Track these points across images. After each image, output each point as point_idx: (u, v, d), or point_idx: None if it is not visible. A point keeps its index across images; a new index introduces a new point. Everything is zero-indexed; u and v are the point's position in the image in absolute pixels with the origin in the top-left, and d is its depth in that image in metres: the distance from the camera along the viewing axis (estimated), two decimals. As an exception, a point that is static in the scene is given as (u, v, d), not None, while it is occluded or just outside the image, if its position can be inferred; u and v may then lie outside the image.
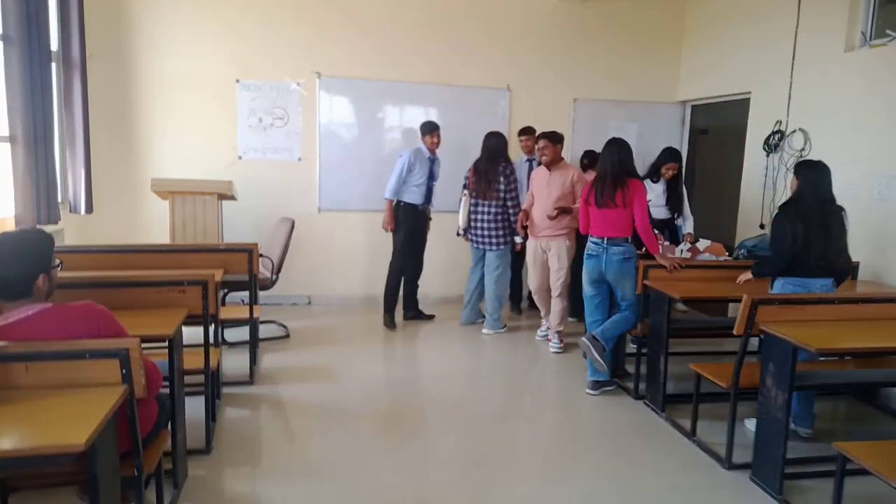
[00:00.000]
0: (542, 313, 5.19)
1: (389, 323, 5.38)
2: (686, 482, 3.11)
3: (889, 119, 4.17)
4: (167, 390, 2.66)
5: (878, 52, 4.31)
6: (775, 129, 5.23)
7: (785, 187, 5.09)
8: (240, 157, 5.82)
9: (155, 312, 2.91)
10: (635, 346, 4.62)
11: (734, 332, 3.14)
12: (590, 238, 4.03)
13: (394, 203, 5.25)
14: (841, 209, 3.40)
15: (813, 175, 3.38)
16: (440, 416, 3.80)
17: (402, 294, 5.54)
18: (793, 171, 3.49)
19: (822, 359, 3.32)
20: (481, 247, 5.28)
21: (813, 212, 3.31)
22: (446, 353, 4.90)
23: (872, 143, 4.31)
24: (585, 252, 4.06)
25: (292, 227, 5.10)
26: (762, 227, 5.33)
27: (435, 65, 6.05)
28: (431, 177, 5.26)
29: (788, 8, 5.04)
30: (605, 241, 3.94)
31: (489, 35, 6.13)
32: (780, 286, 3.40)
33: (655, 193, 5.12)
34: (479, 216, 5.18)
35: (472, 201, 5.20)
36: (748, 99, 5.64)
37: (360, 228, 6.04)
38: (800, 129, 4.97)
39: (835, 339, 2.82)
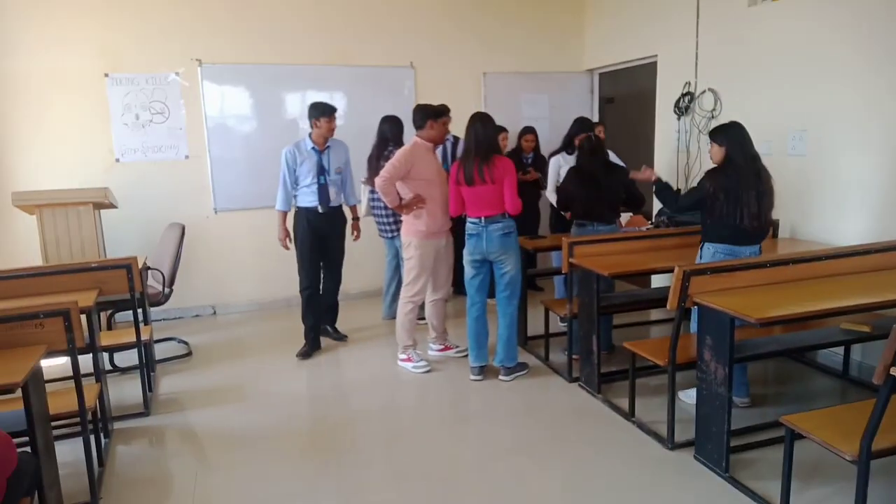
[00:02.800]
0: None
1: (302, 352, 4.49)
2: (629, 466, 2.94)
3: (796, 72, 4.12)
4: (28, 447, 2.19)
5: (781, 4, 4.24)
6: (685, 91, 5.15)
7: (699, 150, 5.01)
8: (117, 160, 5.19)
9: (4, 355, 2.42)
10: (565, 326, 4.45)
11: (667, 306, 2.96)
12: (468, 219, 3.83)
13: (286, 214, 4.43)
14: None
15: (737, 134, 3.23)
16: (368, 428, 3.46)
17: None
18: (710, 137, 3.32)
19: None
20: (382, 235, 4.95)
21: (747, 172, 3.17)
22: (368, 356, 4.52)
23: (782, 98, 4.25)
24: (466, 233, 3.86)
25: (182, 232, 4.58)
26: (678, 191, 5.25)
27: (331, 44, 5.61)
28: (322, 172, 4.34)
29: (688, -34, 4.93)
30: (483, 220, 3.76)
31: (387, 11, 5.74)
32: (711, 254, 3.26)
33: (571, 165, 4.92)
34: (375, 203, 4.84)
35: (369, 189, 4.86)
36: (655, 63, 5.54)
37: (263, 227, 5.50)
38: (709, 90, 4.89)
39: (771, 305, 2.67)
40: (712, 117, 4.86)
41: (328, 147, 4.36)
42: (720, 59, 4.79)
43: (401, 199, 3.95)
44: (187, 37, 5.23)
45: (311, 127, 4.30)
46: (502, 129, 5.37)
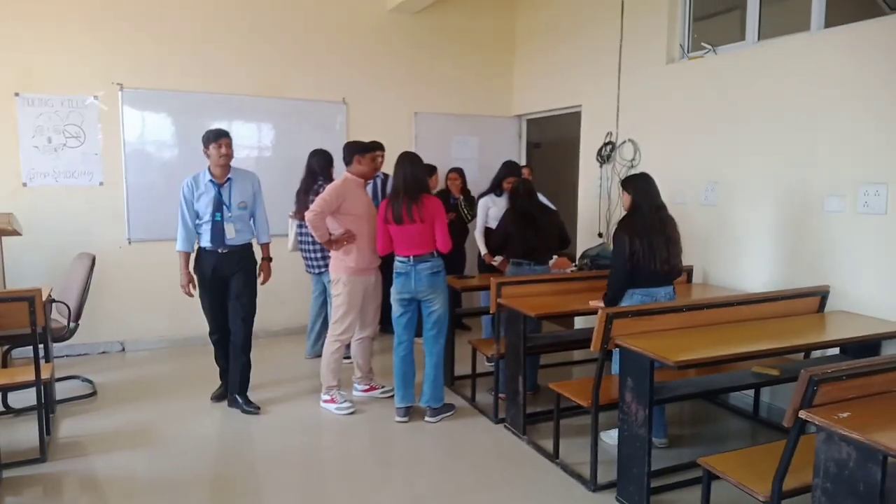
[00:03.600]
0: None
1: (217, 394, 4.21)
2: (554, 512, 2.93)
3: (710, 127, 4.39)
4: None
5: (696, 63, 4.54)
6: (606, 140, 5.38)
7: (619, 197, 5.23)
8: (24, 185, 4.87)
9: None
10: (491, 366, 4.46)
11: (591, 348, 3.03)
12: (397, 257, 3.85)
13: (188, 256, 3.94)
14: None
15: (643, 185, 3.42)
16: (285, 474, 3.29)
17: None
18: (621, 185, 3.51)
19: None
20: (309, 271, 4.85)
21: (653, 220, 3.33)
22: (289, 396, 4.35)
23: (697, 151, 4.51)
24: (395, 271, 3.85)
25: (93, 263, 4.31)
26: (600, 235, 5.44)
27: (262, 76, 5.54)
28: (219, 207, 3.84)
29: (612, 24, 5.21)
30: (412, 259, 3.77)
31: (321, 47, 5.76)
32: (629, 298, 3.37)
33: (499, 207, 5.02)
34: (302, 238, 4.76)
35: (296, 223, 4.77)
36: (579, 112, 5.78)
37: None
38: (629, 140, 5.14)
39: (688, 349, 2.78)
40: (632, 166, 5.09)
41: (229, 179, 3.91)
42: (640, 112, 5.05)
43: (330, 234, 3.89)
44: (109, 59, 5.03)
45: (206, 157, 3.89)
46: (432, 169, 5.44)
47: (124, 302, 5.23)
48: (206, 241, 3.91)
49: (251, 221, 4.03)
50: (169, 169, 5.27)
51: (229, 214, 3.88)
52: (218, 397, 4.20)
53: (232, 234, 3.89)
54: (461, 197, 5.70)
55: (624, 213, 3.50)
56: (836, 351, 3.35)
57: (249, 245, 4.03)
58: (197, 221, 3.91)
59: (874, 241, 3.38)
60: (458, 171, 5.71)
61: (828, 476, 1.97)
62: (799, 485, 2.22)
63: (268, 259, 4.16)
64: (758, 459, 2.44)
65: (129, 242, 5.21)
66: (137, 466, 3.32)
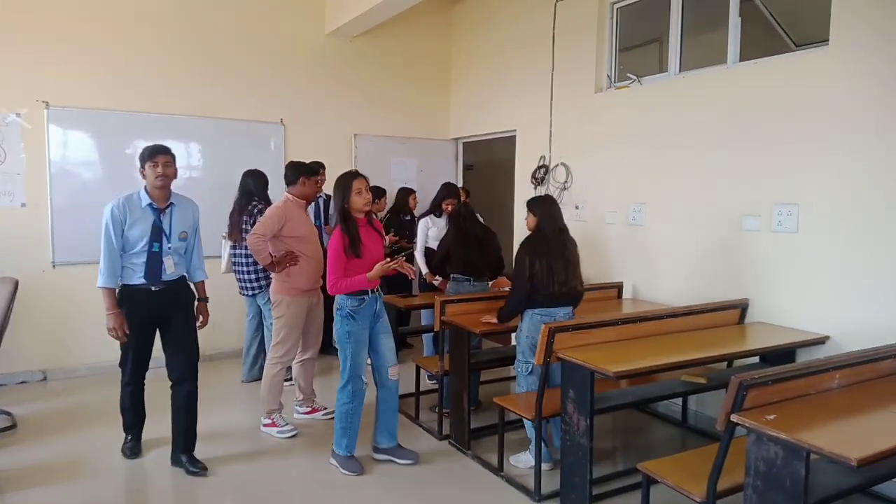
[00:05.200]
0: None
1: (127, 448, 3.62)
2: (502, 525, 2.99)
3: (636, 151, 4.65)
4: None
5: (622, 92, 4.81)
6: (540, 163, 5.59)
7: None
8: (-64, 205, 4.58)
9: None
10: (433, 383, 4.51)
11: (535, 361, 3.14)
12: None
13: (114, 292, 3.29)
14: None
15: (547, 208, 3.50)
16: (223, 499, 3.22)
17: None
18: (526, 207, 3.56)
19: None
20: (243, 293, 4.78)
21: (553, 242, 3.42)
22: (227, 421, 4.22)
23: (625, 174, 4.76)
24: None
25: (16, 287, 4.08)
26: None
27: (196, 96, 5.45)
28: (159, 237, 3.28)
29: (544, 53, 5.45)
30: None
31: (258, 67, 5.73)
32: (529, 317, 3.42)
33: (438, 227, 5.11)
34: (236, 259, 4.70)
35: (230, 244, 4.71)
36: (513, 135, 5.98)
37: (110, 283, 5.11)
38: (562, 164, 5.36)
39: (624, 360, 2.92)
40: (564, 188, 5.31)
41: (171, 205, 3.35)
42: (571, 137, 5.28)
43: (272, 256, 3.86)
44: (33, 76, 4.84)
45: (142, 178, 3.32)
46: (381, 192, 5.60)
47: (47, 328, 4.97)
48: (136, 277, 3.29)
49: (187, 255, 3.53)
50: (96, 190, 5.07)
51: (168, 246, 3.33)
52: (129, 452, 3.59)
53: (171, 269, 3.35)
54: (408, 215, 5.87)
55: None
56: (756, 359, 3.59)
57: (185, 279, 3.52)
58: (125, 252, 3.28)
59: (787, 257, 3.67)
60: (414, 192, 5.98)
61: (758, 474, 2.13)
62: (731, 485, 2.37)
63: (205, 299, 3.60)
64: (692, 463, 2.59)
65: (54, 266, 4.97)
66: (63, 502, 3.16)
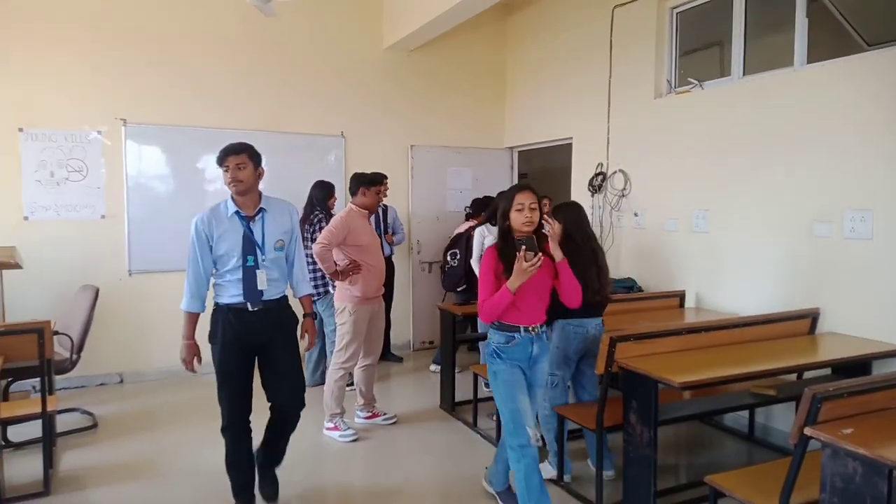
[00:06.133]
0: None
1: None
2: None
3: (698, 157, 4.55)
4: None
5: (682, 97, 4.73)
6: (597, 171, 5.54)
7: (611, 226, 5.37)
8: (26, 218, 4.90)
9: None
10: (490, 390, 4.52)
11: (595, 371, 3.11)
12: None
13: (197, 318, 3.00)
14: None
15: (574, 214, 3.41)
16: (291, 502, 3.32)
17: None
18: (552, 215, 3.42)
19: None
20: None
21: (584, 249, 3.31)
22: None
23: (686, 180, 4.67)
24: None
25: (96, 295, 4.34)
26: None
27: (261, 111, 5.66)
28: (252, 249, 2.89)
29: (601, 59, 5.41)
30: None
31: (319, 82, 5.91)
32: (560, 328, 3.33)
33: (494, 236, 5.11)
34: None
35: None
36: (569, 143, 5.95)
37: (180, 290, 5.27)
38: (620, 171, 5.30)
39: (689, 370, 2.87)
40: (623, 195, 5.25)
41: (262, 210, 2.96)
42: (629, 144, 5.22)
43: (336, 265, 3.96)
44: (111, 95, 5.13)
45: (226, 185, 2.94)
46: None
47: (124, 334, 5.23)
48: (231, 296, 2.91)
49: (288, 267, 3.11)
50: (170, 202, 5.35)
51: (263, 258, 2.91)
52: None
53: (264, 285, 2.91)
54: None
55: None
56: (827, 371, 3.46)
57: (286, 298, 3.09)
58: (218, 270, 2.94)
59: (861, 264, 3.53)
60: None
61: (834, 491, 2.06)
62: (804, 501, 2.29)
63: (312, 315, 3.24)
64: (761, 477, 2.52)
65: (130, 274, 5.24)
66: (142, 499, 3.33)
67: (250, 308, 2.91)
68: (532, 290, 2.75)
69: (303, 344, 3.20)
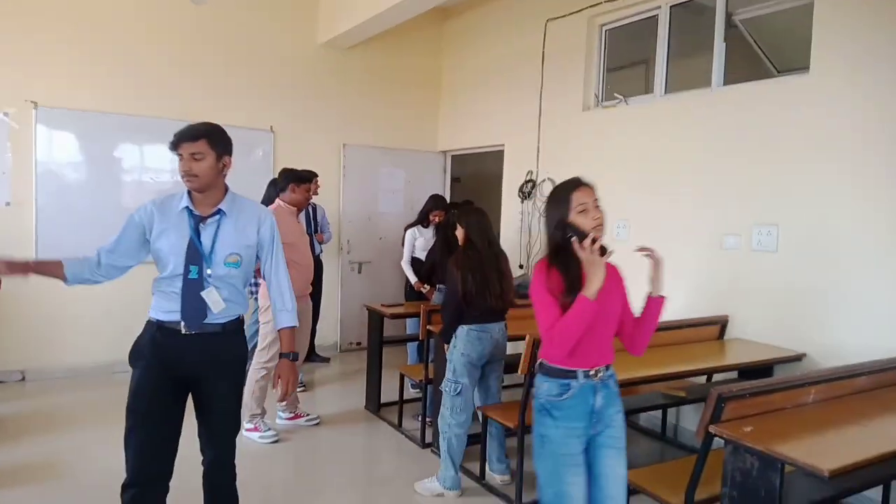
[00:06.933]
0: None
1: None
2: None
3: (622, 169, 4.73)
4: None
5: (608, 111, 4.92)
6: (527, 178, 5.67)
7: (539, 231, 5.50)
8: (-81, 201, 4.54)
9: None
10: (417, 392, 4.54)
11: (519, 371, 3.18)
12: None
13: (61, 266, 2.45)
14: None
15: (477, 220, 3.43)
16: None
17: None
18: (455, 219, 3.49)
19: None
20: None
21: (487, 255, 3.37)
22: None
23: (610, 191, 4.75)
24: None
25: (-2, 286, 4.04)
26: (521, 266, 5.68)
27: (184, 100, 5.45)
28: (195, 258, 2.28)
29: (533, 71, 5.54)
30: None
31: (251, 75, 5.76)
32: (465, 334, 3.34)
33: (425, 238, 5.16)
34: None
35: None
36: (501, 150, 6.06)
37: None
38: (549, 179, 5.44)
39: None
40: (551, 203, 5.38)
41: (220, 213, 2.35)
42: (558, 153, 5.37)
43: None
44: (21, 76, 4.82)
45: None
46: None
47: (27, 328, 4.92)
48: (165, 312, 2.30)
49: (246, 289, 2.50)
50: (81, 191, 5.09)
51: (209, 272, 2.29)
52: None
53: (219, 306, 2.30)
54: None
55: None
56: (734, 374, 3.67)
57: (238, 324, 2.42)
58: (160, 276, 2.32)
59: (766, 275, 3.77)
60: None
61: (734, 485, 2.18)
62: (707, 495, 2.42)
63: (289, 356, 2.47)
64: (671, 474, 2.65)
65: (36, 265, 4.92)
66: (44, 502, 3.13)
67: (184, 331, 2.28)
68: (596, 317, 2.07)
69: (275, 393, 2.62)
